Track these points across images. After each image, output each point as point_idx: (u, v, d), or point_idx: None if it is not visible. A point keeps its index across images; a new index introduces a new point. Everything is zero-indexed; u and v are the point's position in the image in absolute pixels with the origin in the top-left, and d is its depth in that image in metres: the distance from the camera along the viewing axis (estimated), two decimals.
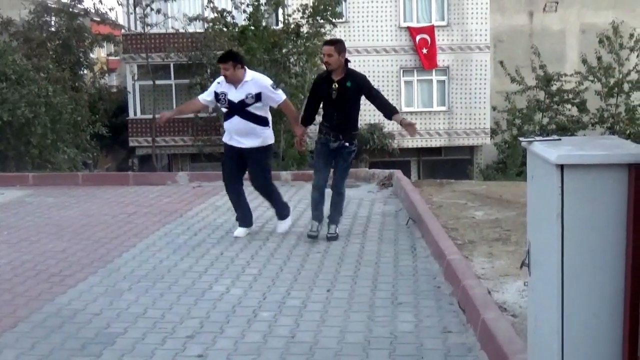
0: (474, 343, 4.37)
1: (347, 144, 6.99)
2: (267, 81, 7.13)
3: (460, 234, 6.93)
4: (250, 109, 7.02)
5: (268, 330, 4.67)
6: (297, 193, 9.71)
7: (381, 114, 7.00)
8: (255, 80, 7.03)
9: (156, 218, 8.24)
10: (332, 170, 7.26)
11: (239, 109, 7.04)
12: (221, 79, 7.12)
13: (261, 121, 7.12)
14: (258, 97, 6.99)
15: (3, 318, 4.92)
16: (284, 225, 7.49)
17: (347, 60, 6.94)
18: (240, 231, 7.33)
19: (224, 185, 7.51)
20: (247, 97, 6.98)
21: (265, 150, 7.22)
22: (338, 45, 6.90)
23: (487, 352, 4.14)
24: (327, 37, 22.31)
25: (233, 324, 4.79)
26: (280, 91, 7.16)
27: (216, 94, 7.15)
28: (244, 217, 7.41)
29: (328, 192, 7.25)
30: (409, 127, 6.86)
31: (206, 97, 7.28)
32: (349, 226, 7.64)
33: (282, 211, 7.52)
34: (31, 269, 6.17)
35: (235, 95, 7.02)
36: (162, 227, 7.79)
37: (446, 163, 26.96)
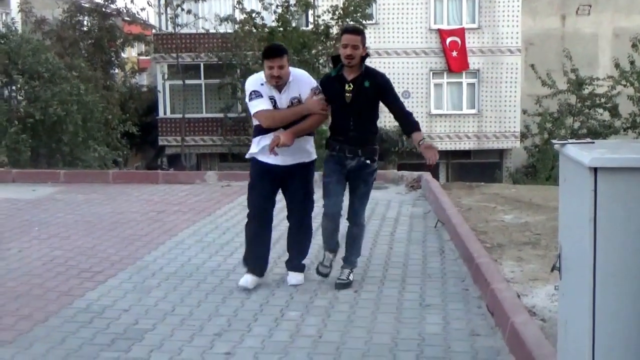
0: (502, 346, 4.34)
1: (367, 161, 5.46)
2: (310, 79, 5.56)
3: (489, 237, 6.89)
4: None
5: (295, 329, 4.68)
6: None
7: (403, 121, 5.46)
8: (296, 80, 5.44)
9: (185, 216, 8.30)
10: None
11: None
12: (259, 78, 5.46)
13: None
14: (301, 101, 5.48)
15: (34, 312, 4.99)
16: (296, 277, 5.77)
17: (366, 55, 5.43)
18: (245, 280, 5.59)
19: (252, 219, 5.69)
20: (292, 103, 5.45)
21: (311, 165, 5.73)
22: (364, 35, 5.44)
23: (516, 356, 4.11)
24: None
25: (260, 322, 4.81)
26: (322, 96, 5.45)
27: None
28: (253, 261, 5.70)
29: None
30: (429, 151, 5.17)
31: (267, 106, 5.38)
32: (377, 227, 7.61)
33: (302, 257, 5.87)
34: (62, 264, 6.25)
35: (282, 100, 5.43)
36: (191, 225, 7.84)
37: (475, 166, 26.78)
